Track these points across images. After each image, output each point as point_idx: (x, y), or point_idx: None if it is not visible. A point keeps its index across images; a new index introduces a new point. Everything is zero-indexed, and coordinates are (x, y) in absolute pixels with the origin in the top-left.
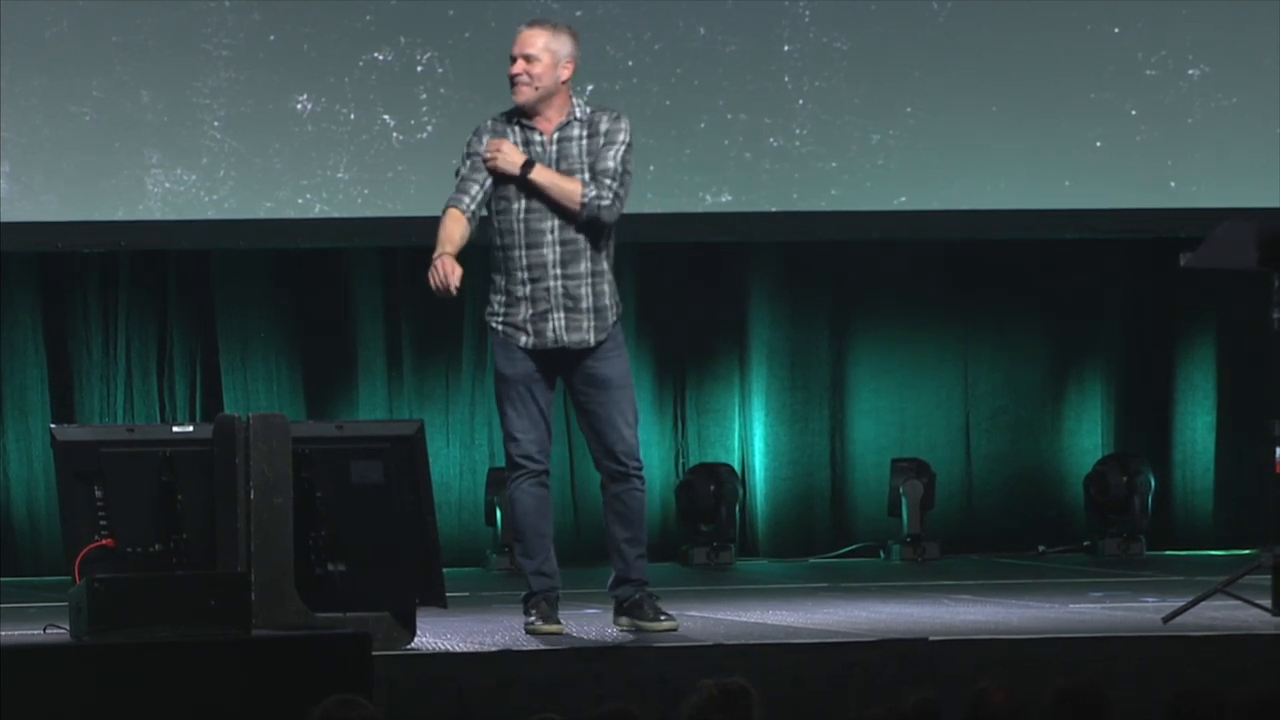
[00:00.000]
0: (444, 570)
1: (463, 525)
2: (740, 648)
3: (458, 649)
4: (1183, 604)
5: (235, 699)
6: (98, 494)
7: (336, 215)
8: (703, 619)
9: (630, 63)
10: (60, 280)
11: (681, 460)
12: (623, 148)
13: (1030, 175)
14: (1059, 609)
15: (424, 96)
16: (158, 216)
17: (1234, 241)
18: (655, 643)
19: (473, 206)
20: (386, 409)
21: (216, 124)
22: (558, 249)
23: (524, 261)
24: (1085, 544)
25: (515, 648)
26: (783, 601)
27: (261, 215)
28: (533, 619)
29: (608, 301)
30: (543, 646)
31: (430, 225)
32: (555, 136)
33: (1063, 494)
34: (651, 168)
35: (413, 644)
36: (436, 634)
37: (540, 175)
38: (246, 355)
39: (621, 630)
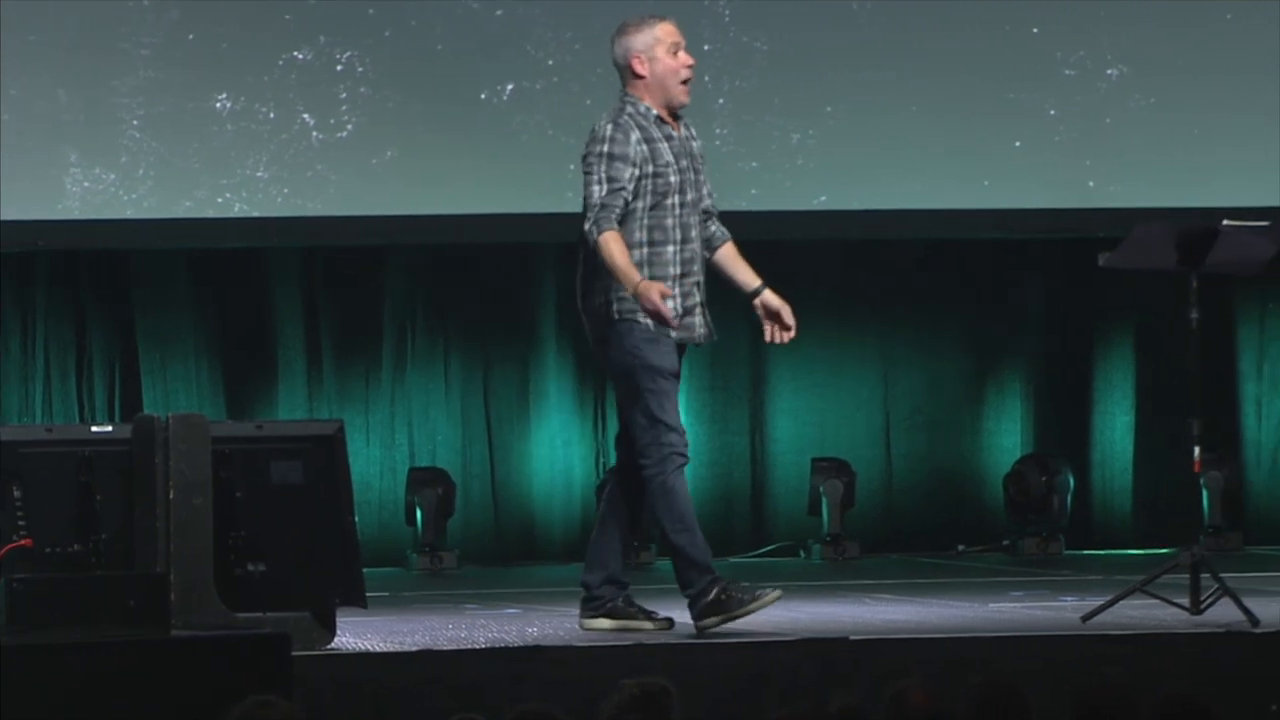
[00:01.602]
0: (364, 570)
1: (383, 525)
2: (661, 647)
3: (378, 649)
4: (1101, 603)
5: (154, 700)
6: (16, 494)
7: (256, 215)
8: (624, 633)
9: (550, 62)
10: None
11: (602, 460)
12: None
13: (949, 175)
14: (978, 608)
15: (344, 95)
16: (76, 216)
17: (1152, 242)
18: (575, 642)
19: (620, 219)
20: (306, 409)
21: (135, 123)
22: (697, 246)
23: (678, 258)
24: (1004, 543)
25: (435, 648)
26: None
27: (180, 215)
28: (748, 594)
29: None
30: (463, 646)
31: (351, 224)
32: (685, 134)
33: (982, 493)
34: (571, 166)
35: (333, 644)
36: (356, 634)
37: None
38: (166, 355)
39: (599, 631)
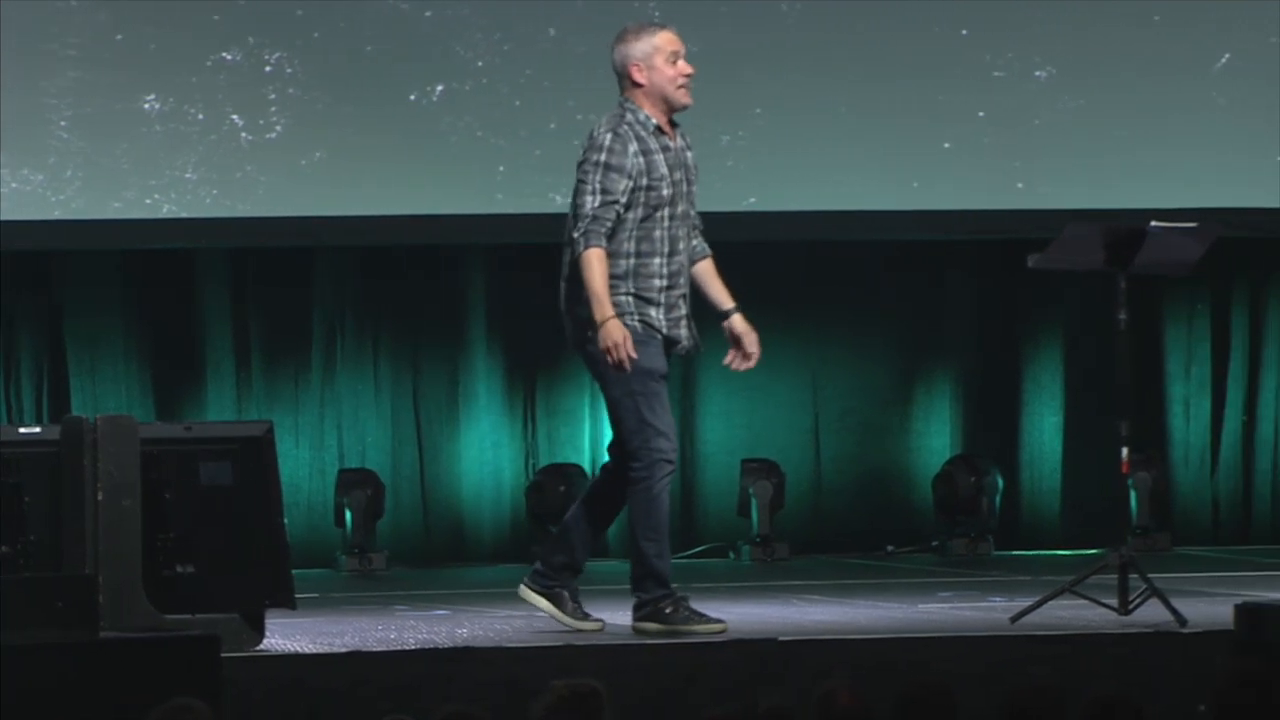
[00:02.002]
0: (293, 572)
1: (312, 526)
2: (590, 648)
3: (307, 650)
4: (1030, 604)
5: (83, 702)
6: None
7: (185, 216)
8: (552, 620)
9: (480, 63)
10: None
11: (531, 461)
12: None
13: (879, 176)
14: (907, 609)
15: (273, 96)
16: (3, 217)
17: (1081, 242)
18: (505, 643)
19: (609, 234)
20: (235, 410)
21: (63, 124)
22: (684, 258)
23: (664, 269)
24: (933, 544)
25: (364, 649)
26: (632, 602)
27: (109, 216)
28: (698, 620)
29: None
30: (393, 647)
31: (280, 225)
32: (681, 145)
33: (911, 494)
34: (501, 168)
35: (262, 646)
36: (286, 635)
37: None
38: (94, 356)
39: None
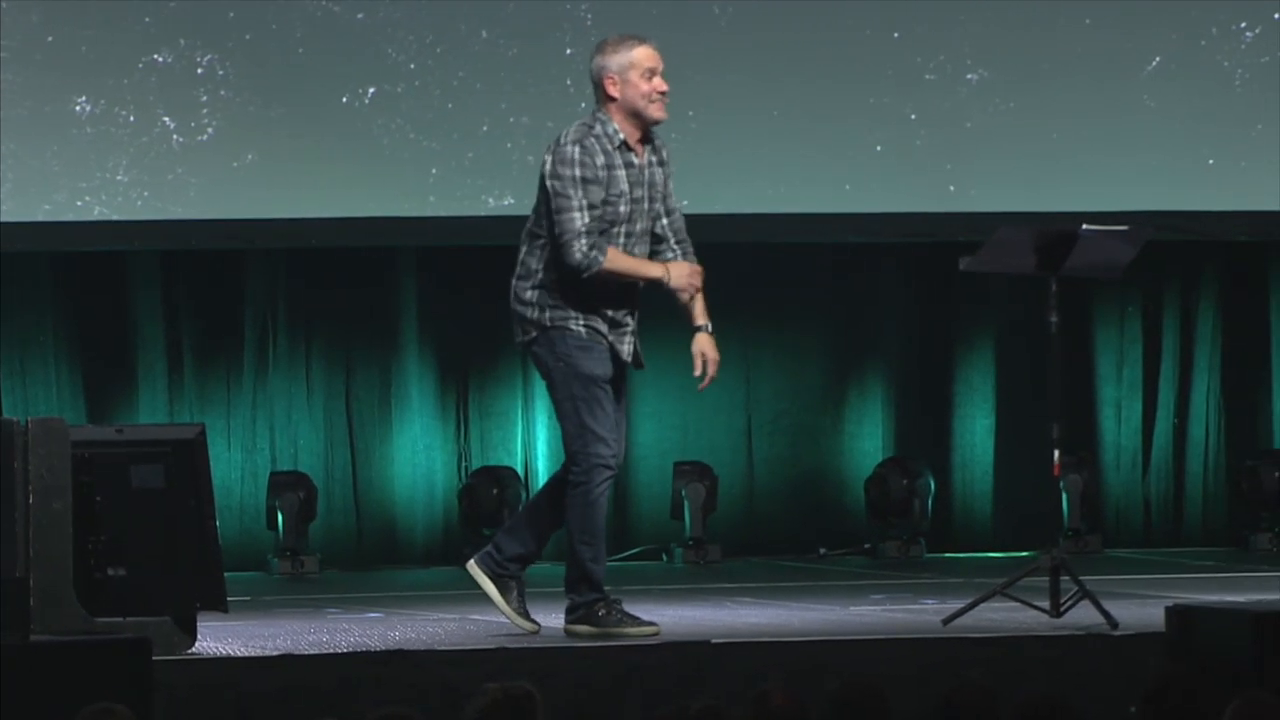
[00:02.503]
0: (225, 574)
1: (244, 529)
2: (523, 651)
3: (239, 653)
4: (962, 606)
5: (13, 705)
6: None
7: (116, 218)
8: (485, 622)
9: (412, 65)
10: None
11: (464, 463)
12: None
13: (811, 179)
14: (840, 611)
15: (205, 99)
16: None
17: (1012, 245)
18: (438, 645)
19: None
20: (167, 413)
21: None
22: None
23: (617, 284)
24: (866, 546)
25: (296, 652)
26: (565, 605)
27: (40, 218)
28: (631, 623)
29: None
30: (325, 650)
31: (212, 227)
32: (649, 159)
33: (843, 497)
34: (434, 171)
35: (193, 649)
36: (217, 638)
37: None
38: (25, 358)
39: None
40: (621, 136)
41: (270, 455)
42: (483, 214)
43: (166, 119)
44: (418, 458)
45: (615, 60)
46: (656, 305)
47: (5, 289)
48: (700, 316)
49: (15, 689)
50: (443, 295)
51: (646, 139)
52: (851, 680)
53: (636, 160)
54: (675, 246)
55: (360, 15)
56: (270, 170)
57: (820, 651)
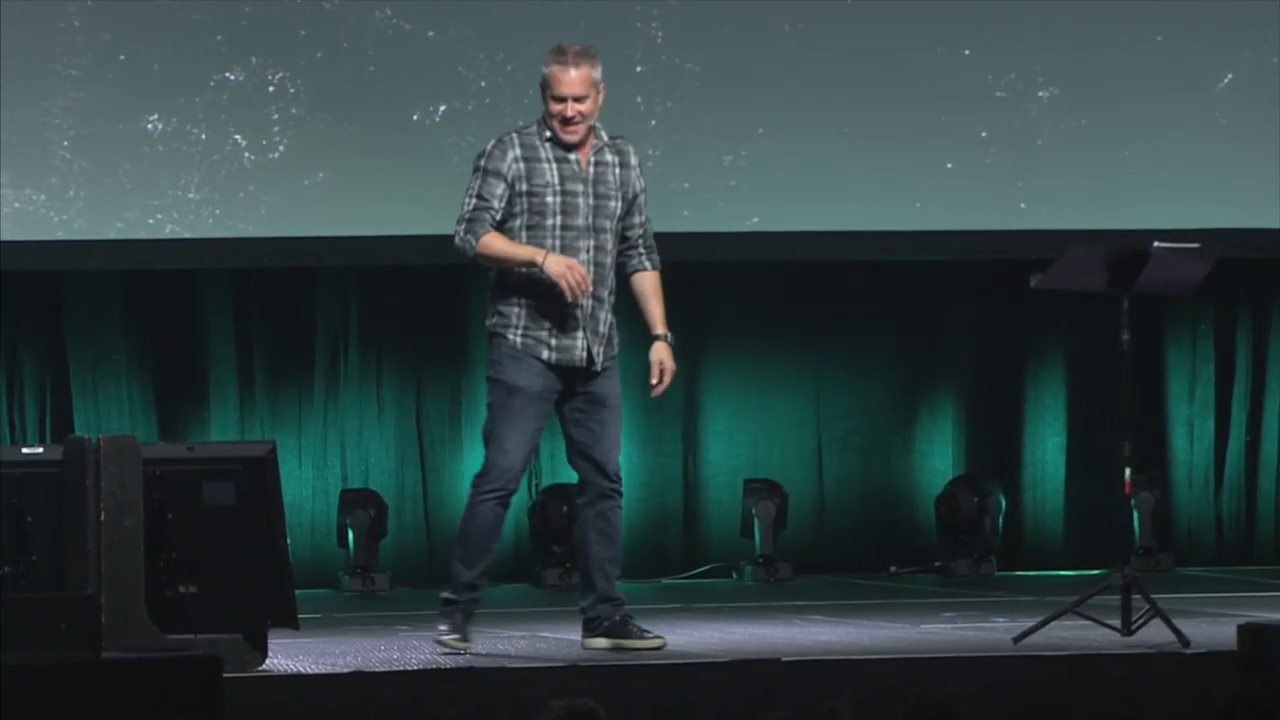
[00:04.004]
0: (296, 592)
1: (315, 547)
2: (592, 669)
3: (309, 671)
4: (1033, 624)
5: None
6: None
7: (188, 236)
8: (555, 640)
9: (483, 84)
10: None
11: (534, 481)
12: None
13: (881, 197)
14: (910, 629)
15: (276, 117)
16: (6, 237)
17: (1083, 263)
18: (507, 663)
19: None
20: (238, 430)
21: (66, 144)
22: (591, 269)
23: (551, 288)
24: (936, 564)
25: (367, 669)
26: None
27: (112, 236)
28: (445, 629)
29: (615, 329)
30: (395, 668)
31: (283, 245)
32: (593, 160)
33: (914, 514)
34: None
35: (264, 666)
36: (288, 656)
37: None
38: (97, 376)
39: (598, 650)
40: (549, 135)
41: (341, 472)
42: None
43: (238, 137)
44: None
45: (541, 71)
46: (719, 327)
47: (78, 307)
48: (659, 325)
49: (87, 706)
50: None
51: (610, 144)
52: (921, 699)
53: (572, 157)
54: (643, 251)
55: (431, 33)
56: (341, 188)
57: (891, 670)
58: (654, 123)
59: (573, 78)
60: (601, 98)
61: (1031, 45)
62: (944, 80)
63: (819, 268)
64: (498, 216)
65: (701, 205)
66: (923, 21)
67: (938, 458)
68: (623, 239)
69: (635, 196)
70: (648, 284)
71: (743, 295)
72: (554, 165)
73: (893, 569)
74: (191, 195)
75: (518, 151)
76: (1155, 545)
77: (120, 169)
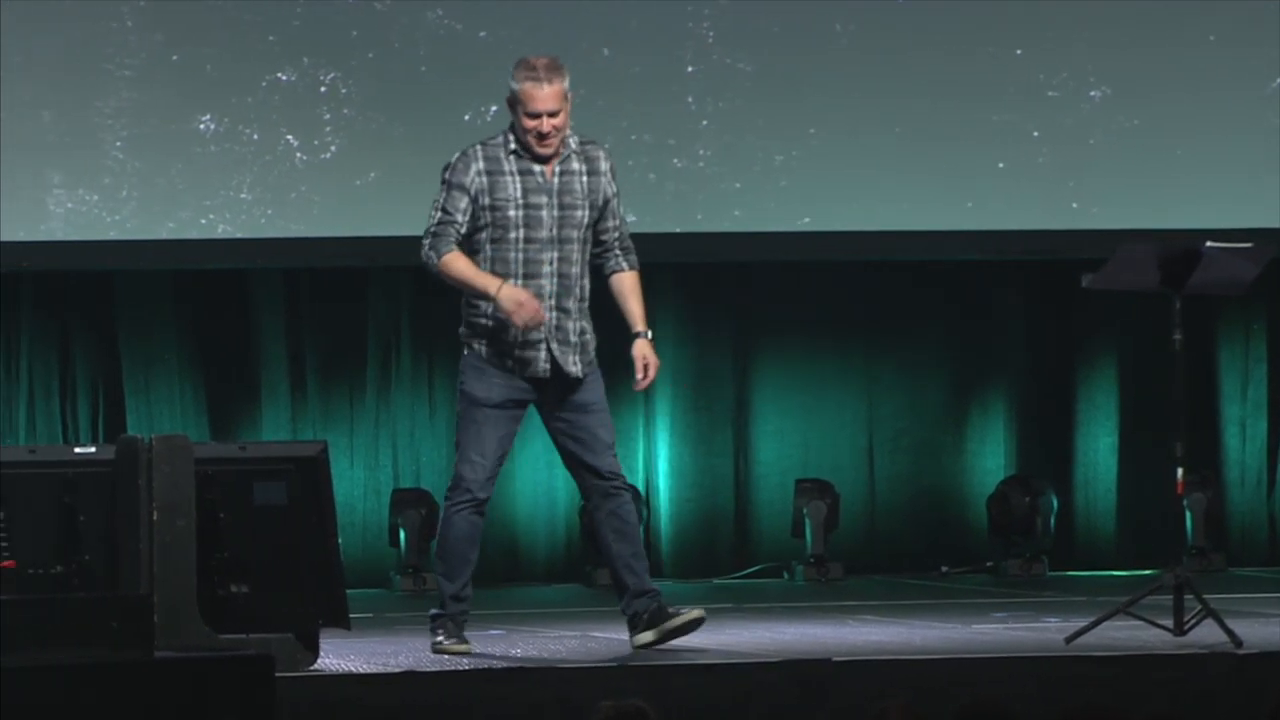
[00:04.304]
0: (347, 591)
1: (366, 546)
2: (642, 669)
3: (361, 670)
4: (1085, 624)
5: None
6: None
7: (239, 236)
8: (605, 639)
9: None
10: None
11: None
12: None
13: (933, 196)
14: (962, 629)
15: (327, 117)
16: (59, 237)
17: (1135, 262)
18: (557, 664)
19: (459, 249)
20: (290, 430)
21: (119, 144)
22: (555, 281)
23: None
24: (988, 564)
25: (419, 669)
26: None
27: (164, 236)
28: (440, 638)
29: (590, 335)
30: (447, 667)
31: (335, 245)
32: (558, 170)
33: (965, 514)
34: None
35: (316, 665)
36: (340, 655)
37: None
38: (149, 376)
39: (643, 647)
40: (514, 147)
41: (393, 472)
42: None
43: (290, 137)
44: (539, 475)
45: (510, 86)
46: (770, 327)
47: (130, 307)
48: (639, 323)
49: (139, 706)
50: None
51: (580, 151)
52: (973, 699)
53: (536, 168)
54: (619, 252)
55: (483, 33)
56: (393, 188)
57: (942, 670)
58: (705, 123)
59: (546, 94)
60: (569, 107)
61: (1084, 45)
62: (996, 80)
63: (870, 268)
64: (462, 230)
65: (753, 205)
66: (974, 21)
67: (989, 457)
68: (598, 243)
69: (607, 202)
70: (626, 284)
71: (794, 295)
72: (517, 178)
73: (944, 569)
74: (243, 195)
75: (480, 165)
76: (1208, 545)
77: (173, 169)
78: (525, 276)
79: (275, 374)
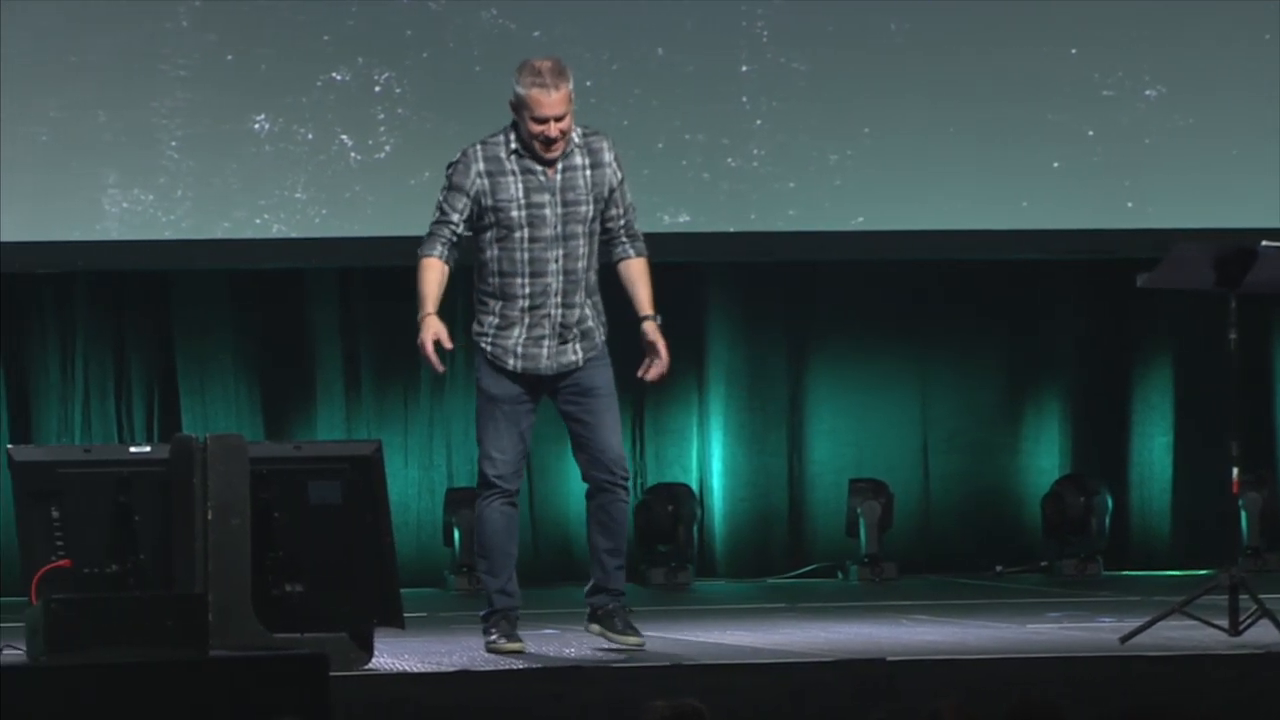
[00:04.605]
0: (402, 591)
1: (421, 546)
2: (697, 668)
3: (415, 670)
4: (1140, 624)
5: None
6: (54, 515)
7: (294, 235)
8: (660, 639)
9: (589, 83)
10: (17, 301)
11: (640, 480)
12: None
13: (987, 196)
14: (1016, 629)
15: (382, 116)
16: (115, 237)
17: (1191, 261)
18: (613, 663)
19: (449, 251)
20: (345, 429)
21: (174, 144)
22: (560, 278)
23: (525, 290)
24: (1042, 564)
25: (473, 668)
26: (740, 622)
27: (219, 235)
28: (494, 637)
29: (594, 324)
30: (501, 666)
31: (389, 244)
32: (560, 167)
33: (1020, 514)
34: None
35: (370, 665)
36: (394, 654)
37: None
38: (204, 376)
39: (592, 635)
40: (514, 147)
41: (447, 471)
42: (658, 231)
43: (344, 137)
44: None
45: (515, 89)
46: (824, 326)
47: (185, 307)
48: (646, 307)
49: (194, 704)
50: (619, 313)
51: (585, 145)
52: (1027, 699)
53: (537, 167)
54: (625, 240)
55: (537, 33)
56: None
57: (996, 670)
58: (759, 122)
59: (554, 99)
60: (573, 109)
61: (1139, 44)
62: (1051, 79)
63: (924, 267)
64: (459, 230)
65: (807, 204)
66: (1029, 20)
67: (1044, 457)
68: (604, 230)
69: (612, 191)
70: (634, 270)
71: (848, 295)
72: (519, 178)
73: (998, 569)
74: (298, 195)
75: (481, 166)
76: (1263, 545)
77: (227, 169)
78: (532, 275)
79: (330, 373)
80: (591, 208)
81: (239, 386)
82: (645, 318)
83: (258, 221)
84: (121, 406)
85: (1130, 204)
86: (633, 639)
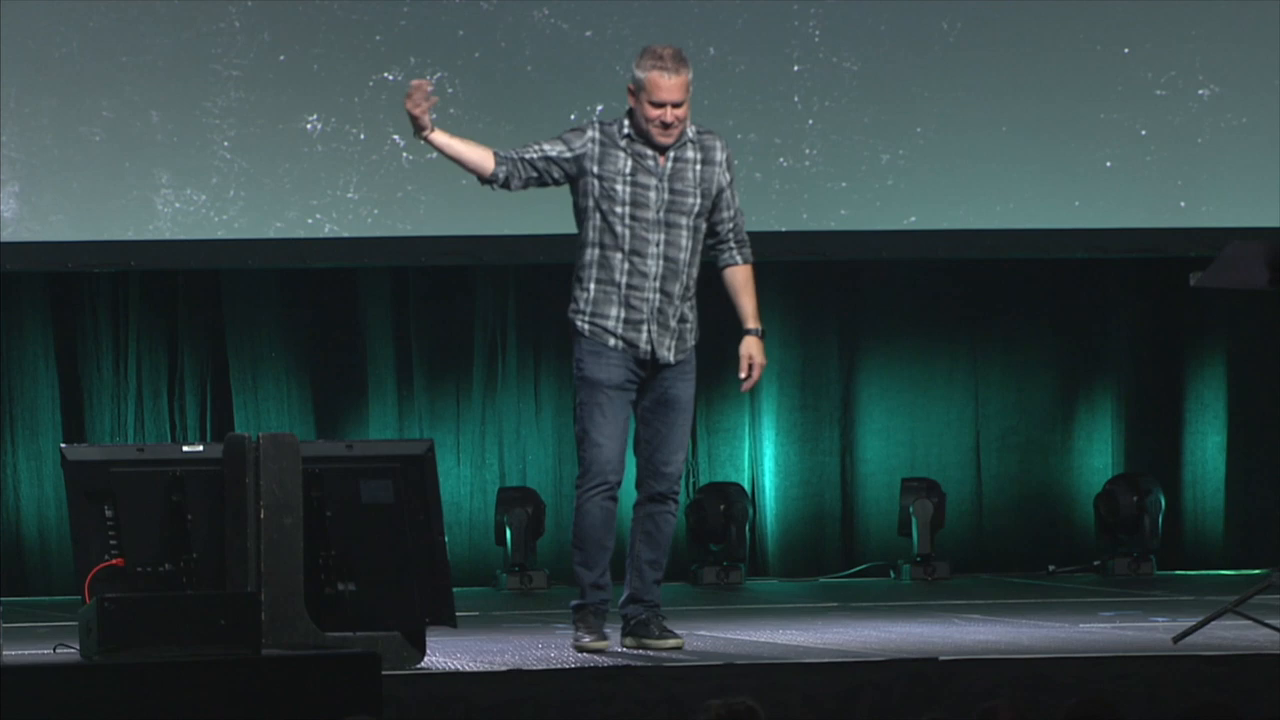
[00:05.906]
0: (454, 590)
1: (473, 545)
2: (750, 667)
3: (467, 668)
4: (1193, 624)
5: (245, 719)
6: (108, 513)
7: (346, 235)
8: (712, 638)
9: None
10: (71, 300)
11: (692, 479)
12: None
13: (1040, 195)
14: (1069, 628)
15: (433, 116)
16: (167, 236)
17: (1244, 261)
18: (665, 662)
19: (505, 159)
20: (397, 428)
21: (226, 144)
22: (660, 263)
23: (625, 267)
24: (1095, 564)
25: (525, 667)
26: (793, 621)
27: (271, 235)
28: (580, 633)
29: (690, 325)
30: (553, 665)
31: (441, 244)
32: (672, 156)
33: (1073, 513)
34: None
35: (422, 663)
36: (446, 653)
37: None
38: (257, 375)
39: (626, 649)
40: (628, 131)
41: (499, 471)
42: None
43: (396, 136)
44: None
45: (635, 74)
46: (876, 325)
47: (238, 305)
48: (750, 320)
49: (246, 702)
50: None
51: (694, 140)
52: (1081, 699)
53: (648, 152)
54: (733, 246)
55: (589, 33)
56: None
57: (1049, 669)
58: (811, 121)
59: (673, 84)
60: (690, 99)
61: (1192, 43)
62: (1103, 78)
63: (977, 266)
64: (526, 155)
65: (859, 204)
66: (1081, 19)
67: (1097, 456)
68: (712, 233)
69: (721, 191)
70: (739, 278)
71: (900, 294)
72: (629, 157)
73: (1051, 568)
74: (350, 195)
75: (596, 134)
76: None
77: (280, 169)
78: (632, 252)
79: (382, 372)
80: (698, 202)
81: (291, 386)
82: (749, 332)
83: (310, 221)
84: (174, 406)
85: (1183, 203)
86: (671, 641)
